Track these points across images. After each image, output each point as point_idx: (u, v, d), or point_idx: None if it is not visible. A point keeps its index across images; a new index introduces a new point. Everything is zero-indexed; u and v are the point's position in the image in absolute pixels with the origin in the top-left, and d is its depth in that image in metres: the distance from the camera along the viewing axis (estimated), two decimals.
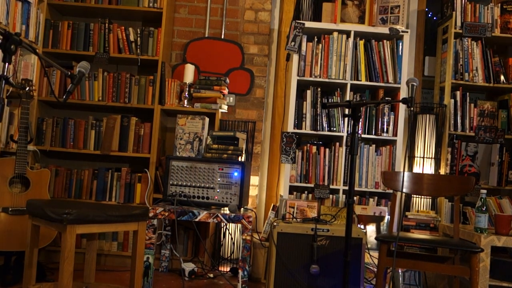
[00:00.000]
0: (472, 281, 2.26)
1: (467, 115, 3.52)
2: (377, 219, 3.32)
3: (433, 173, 3.46)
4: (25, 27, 3.19)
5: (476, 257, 2.26)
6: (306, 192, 3.51)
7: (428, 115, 3.50)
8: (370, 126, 3.49)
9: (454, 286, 2.73)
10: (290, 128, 3.45)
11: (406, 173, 2.70)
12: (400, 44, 3.46)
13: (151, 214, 2.79)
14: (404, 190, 2.68)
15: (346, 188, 3.35)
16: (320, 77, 3.47)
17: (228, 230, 3.58)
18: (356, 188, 3.42)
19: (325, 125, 3.47)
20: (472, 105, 3.54)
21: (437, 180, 2.64)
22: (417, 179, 2.69)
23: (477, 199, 2.79)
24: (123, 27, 3.51)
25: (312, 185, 3.43)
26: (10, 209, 2.77)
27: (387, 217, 3.29)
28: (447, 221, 3.44)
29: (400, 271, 3.06)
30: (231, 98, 3.75)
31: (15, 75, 3.13)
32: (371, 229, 3.30)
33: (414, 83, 2.19)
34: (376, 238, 2.44)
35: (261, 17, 3.83)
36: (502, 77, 3.53)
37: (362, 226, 3.29)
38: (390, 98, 3.57)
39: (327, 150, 3.47)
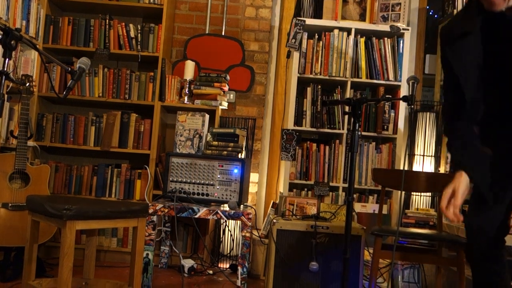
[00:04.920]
0: (460, 272, 2.40)
1: None
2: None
3: (433, 171, 3.46)
4: (25, 23, 3.18)
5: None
6: (305, 189, 3.51)
7: (428, 113, 3.49)
8: (370, 124, 3.48)
9: (454, 285, 2.74)
10: (290, 125, 3.45)
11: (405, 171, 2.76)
12: (401, 41, 3.45)
13: (150, 211, 2.80)
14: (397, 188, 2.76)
15: (346, 185, 3.35)
16: (320, 75, 3.46)
17: (228, 227, 3.58)
18: (356, 186, 3.42)
19: (325, 122, 3.47)
20: None
21: (435, 178, 2.71)
22: (414, 178, 2.76)
23: None
24: (123, 23, 3.50)
25: (312, 183, 3.43)
26: (10, 204, 2.77)
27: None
28: (447, 219, 3.44)
29: (399, 268, 3.06)
30: (231, 95, 3.74)
31: (15, 70, 3.12)
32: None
33: (415, 81, 2.19)
34: (371, 233, 2.50)
35: (262, 14, 3.82)
36: None
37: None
38: (390, 96, 3.57)
39: (327, 147, 3.47)
